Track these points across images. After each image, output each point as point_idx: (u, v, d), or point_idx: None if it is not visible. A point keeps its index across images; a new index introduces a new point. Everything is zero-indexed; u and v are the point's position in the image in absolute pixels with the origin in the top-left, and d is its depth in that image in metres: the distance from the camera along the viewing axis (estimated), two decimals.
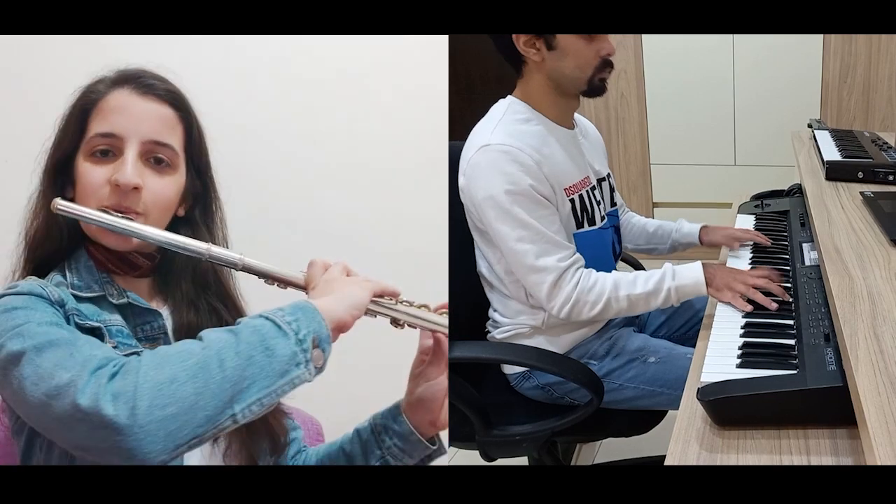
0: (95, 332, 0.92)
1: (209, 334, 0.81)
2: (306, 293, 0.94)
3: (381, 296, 0.95)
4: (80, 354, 0.80)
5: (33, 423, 0.83)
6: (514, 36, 1.42)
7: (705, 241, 1.79)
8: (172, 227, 1.03)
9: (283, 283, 0.97)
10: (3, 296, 0.90)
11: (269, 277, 0.97)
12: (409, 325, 0.97)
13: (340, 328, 0.88)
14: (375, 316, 0.95)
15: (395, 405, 1.08)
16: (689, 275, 1.43)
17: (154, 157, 0.98)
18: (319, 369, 0.84)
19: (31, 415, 0.81)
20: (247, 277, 1.00)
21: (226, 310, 1.06)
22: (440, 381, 1.04)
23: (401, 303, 0.97)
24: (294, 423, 1.17)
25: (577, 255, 1.45)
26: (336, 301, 0.89)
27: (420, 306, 0.98)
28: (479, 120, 1.52)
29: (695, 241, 1.80)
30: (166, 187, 0.99)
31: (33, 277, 0.97)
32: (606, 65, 1.47)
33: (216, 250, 0.97)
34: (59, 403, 0.76)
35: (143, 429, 0.73)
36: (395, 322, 0.97)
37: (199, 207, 1.07)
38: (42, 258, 1.00)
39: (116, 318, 0.97)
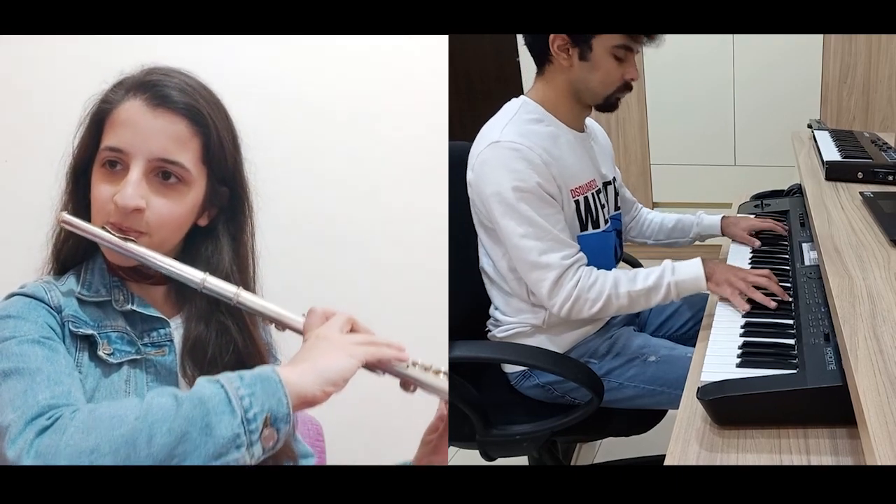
0: (88, 339, 0.94)
1: (153, 399, 0.79)
2: (303, 338, 0.91)
3: (377, 364, 0.89)
4: (31, 394, 0.82)
5: None
6: (550, 37, 1.44)
7: (726, 233, 1.82)
8: (193, 237, 1.01)
9: (280, 324, 0.94)
10: (11, 295, 0.94)
11: (265, 317, 0.94)
12: (421, 389, 0.91)
13: (309, 403, 0.83)
14: (382, 374, 0.90)
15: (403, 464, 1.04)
16: (688, 270, 1.43)
17: (162, 172, 0.95)
18: (271, 449, 0.80)
19: None
20: (269, 297, 0.98)
21: (236, 328, 1.01)
22: (444, 455, 0.99)
23: (414, 365, 0.90)
24: (307, 451, 1.14)
25: (581, 254, 1.45)
26: (310, 373, 0.83)
27: (434, 371, 0.91)
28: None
29: (717, 231, 1.84)
30: (175, 206, 0.96)
31: (46, 278, 0.99)
32: (627, 87, 1.50)
33: (212, 281, 0.94)
34: None
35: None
36: (406, 386, 0.90)
37: (224, 216, 1.03)
38: (66, 257, 1.01)
39: (119, 324, 0.97)
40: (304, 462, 1.13)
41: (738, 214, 1.95)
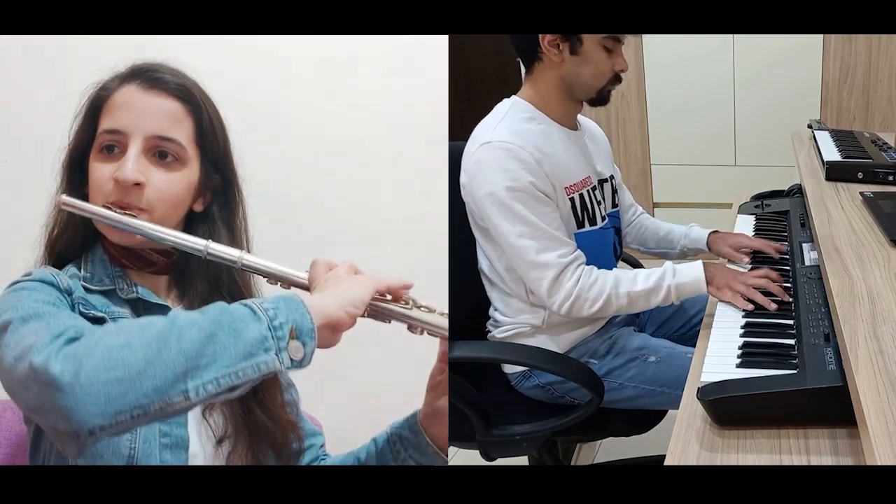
0: (99, 322, 0.94)
1: (179, 312, 0.80)
2: (311, 288, 0.91)
3: (387, 293, 0.91)
4: (55, 323, 0.81)
5: (5, 388, 0.82)
6: (540, 34, 1.44)
7: (713, 249, 1.73)
8: (189, 222, 1.03)
9: (286, 282, 0.94)
10: (17, 281, 0.94)
11: (270, 276, 0.95)
12: (427, 333, 0.93)
13: (333, 326, 0.84)
14: (389, 321, 0.92)
15: (412, 415, 1.06)
16: (689, 273, 1.43)
17: (159, 151, 0.97)
18: (299, 363, 0.80)
19: (3, 379, 0.81)
20: (264, 295, 0.99)
21: None
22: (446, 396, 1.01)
23: (418, 307, 0.92)
24: (314, 430, 1.16)
25: (579, 251, 1.45)
26: (330, 296, 0.85)
27: (439, 313, 0.93)
28: (479, 120, 1.53)
29: (703, 247, 1.77)
30: (173, 183, 0.98)
31: (49, 267, 0.99)
32: (617, 79, 1.50)
33: (214, 247, 0.95)
34: (20, 364, 0.76)
35: (83, 389, 0.70)
36: (412, 328, 0.92)
37: (217, 202, 1.06)
38: (61, 251, 1.02)
39: (124, 311, 0.98)
40: (312, 441, 1.14)
41: (729, 231, 1.83)
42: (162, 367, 0.72)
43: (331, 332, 0.84)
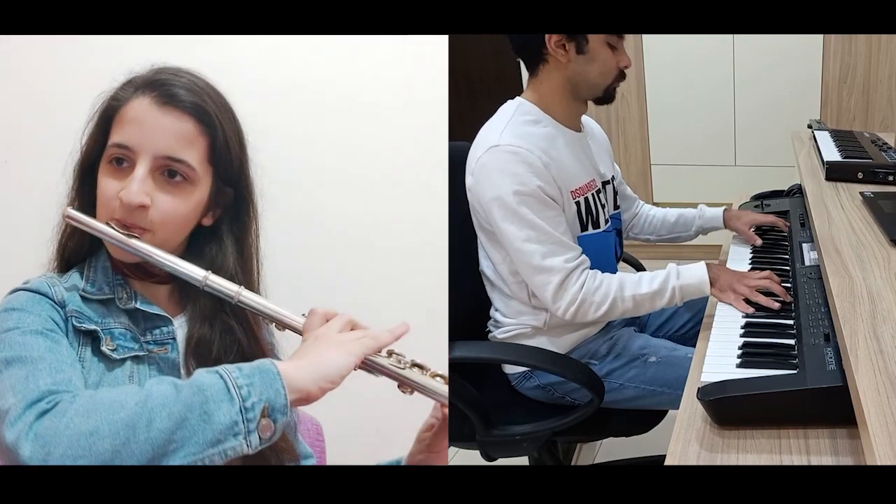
0: (92, 334, 0.95)
1: (153, 386, 0.80)
2: (303, 338, 0.92)
3: (377, 365, 0.91)
4: (32, 380, 0.82)
5: None
6: (546, 35, 1.44)
7: (728, 226, 1.84)
8: (197, 236, 1.02)
9: (281, 324, 0.95)
10: (16, 290, 0.94)
11: (266, 316, 0.95)
12: (417, 391, 0.92)
13: (304, 399, 0.84)
14: (379, 375, 0.92)
15: (396, 462, 1.06)
16: (693, 274, 1.43)
17: (168, 170, 0.96)
18: (267, 440, 0.81)
19: None
20: (271, 296, 1.00)
21: (240, 329, 1.02)
22: (443, 454, 1.01)
23: (411, 367, 0.92)
24: (308, 452, 1.15)
25: (584, 256, 1.45)
26: (307, 368, 0.85)
27: (431, 374, 0.93)
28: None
29: (720, 224, 1.85)
30: (179, 204, 0.97)
31: (50, 274, 1.00)
32: (622, 75, 1.51)
33: (214, 280, 0.95)
34: None
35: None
36: (402, 386, 0.92)
37: (227, 217, 1.04)
38: (70, 253, 1.02)
39: (122, 321, 0.98)
40: (304, 463, 1.13)
41: (742, 210, 1.96)
42: (129, 456, 0.74)
43: (302, 403, 0.85)
